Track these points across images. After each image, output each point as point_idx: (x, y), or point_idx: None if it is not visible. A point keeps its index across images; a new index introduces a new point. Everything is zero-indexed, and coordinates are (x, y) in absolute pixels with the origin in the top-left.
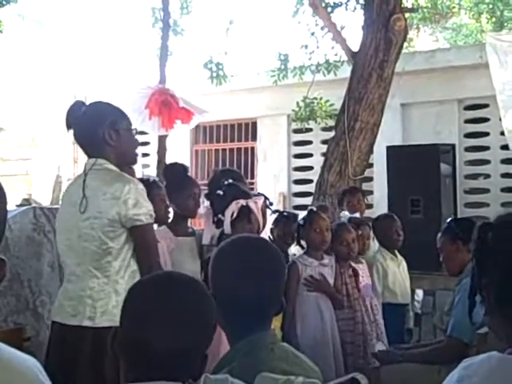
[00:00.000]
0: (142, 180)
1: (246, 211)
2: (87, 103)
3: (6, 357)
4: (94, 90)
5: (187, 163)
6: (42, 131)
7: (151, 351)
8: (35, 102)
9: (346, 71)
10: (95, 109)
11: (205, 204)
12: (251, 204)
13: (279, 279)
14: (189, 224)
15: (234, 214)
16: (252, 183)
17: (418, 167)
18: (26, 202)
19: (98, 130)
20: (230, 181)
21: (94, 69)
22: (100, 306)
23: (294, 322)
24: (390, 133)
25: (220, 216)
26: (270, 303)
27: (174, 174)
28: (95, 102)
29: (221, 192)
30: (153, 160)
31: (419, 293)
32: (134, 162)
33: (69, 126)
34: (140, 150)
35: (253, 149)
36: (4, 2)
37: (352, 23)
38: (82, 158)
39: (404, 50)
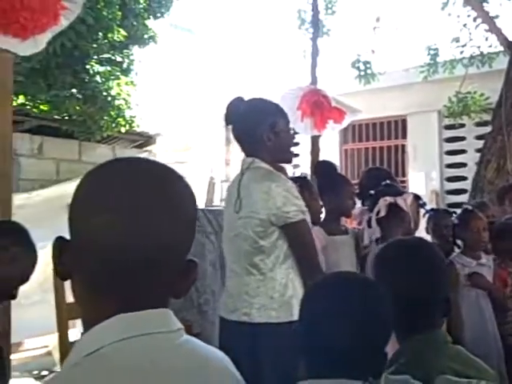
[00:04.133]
0: (293, 178)
1: (395, 209)
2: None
3: (203, 353)
4: (245, 93)
5: (337, 163)
6: (195, 136)
7: (332, 350)
8: (188, 108)
9: (501, 62)
10: (255, 107)
11: (356, 204)
12: (400, 201)
13: (438, 277)
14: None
15: (382, 212)
16: (403, 181)
17: None
18: None
19: (258, 130)
20: (388, 181)
21: (244, 72)
22: (256, 303)
23: (460, 322)
24: None
25: (371, 215)
26: (432, 301)
27: (326, 172)
28: (254, 99)
29: (372, 192)
30: (303, 160)
31: None
32: (289, 161)
33: (228, 122)
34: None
35: (403, 146)
36: (159, 15)
37: (507, 11)
38: (234, 159)
39: None
